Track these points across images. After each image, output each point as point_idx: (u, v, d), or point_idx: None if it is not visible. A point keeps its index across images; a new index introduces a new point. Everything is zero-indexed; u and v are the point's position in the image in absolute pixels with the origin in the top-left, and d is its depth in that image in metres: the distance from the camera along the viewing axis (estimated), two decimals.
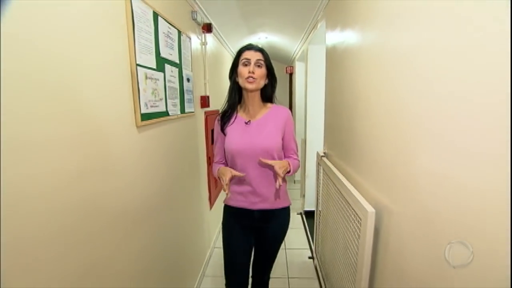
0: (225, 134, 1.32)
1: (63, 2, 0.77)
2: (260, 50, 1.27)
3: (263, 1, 2.37)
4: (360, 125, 1.32)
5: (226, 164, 1.39)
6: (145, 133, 1.24)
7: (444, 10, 0.68)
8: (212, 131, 2.40)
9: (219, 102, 2.65)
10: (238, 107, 1.36)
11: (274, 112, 1.33)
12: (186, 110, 1.79)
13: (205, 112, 2.35)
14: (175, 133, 1.66)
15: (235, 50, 4.01)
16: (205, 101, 2.24)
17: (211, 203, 2.55)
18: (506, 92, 0.50)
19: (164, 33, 1.42)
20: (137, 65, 1.13)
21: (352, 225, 1.25)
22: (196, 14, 2.00)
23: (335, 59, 1.82)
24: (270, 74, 1.30)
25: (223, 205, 1.44)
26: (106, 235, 0.96)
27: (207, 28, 2.24)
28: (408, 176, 0.86)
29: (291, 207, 1.44)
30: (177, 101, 1.63)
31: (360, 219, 1.11)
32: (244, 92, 1.31)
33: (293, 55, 4.19)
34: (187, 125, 1.89)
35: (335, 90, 1.83)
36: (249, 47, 1.27)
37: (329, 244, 1.87)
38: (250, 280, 1.50)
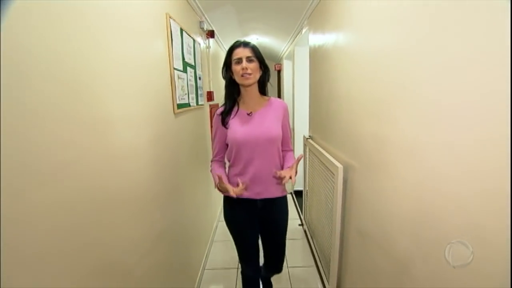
0: (227, 128, 1.36)
1: (141, 25, 1.20)
2: (248, 45, 1.31)
3: (257, 10, 2.82)
4: (334, 110, 1.80)
5: (223, 164, 1.47)
6: (178, 118, 1.69)
7: (394, 21, 1.16)
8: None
9: (219, 96, 3.10)
10: (238, 101, 1.41)
11: (273, 104, 1.41)
12: (199, 102, 2.23)
13: (209, 105, 2.79)
14: (193, 120, 2.10)
15: None
16: (210, 96, 2.68)
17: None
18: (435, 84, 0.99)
19: (186, 43, 1.86)
20: (174, 68, 1.57)
21: (329, 182, 1.74)
22: (204, 24, 2.43)
23: (317, 59, 2.30)
24: (262, 65, 1.35)
25: (222, 196, 1.48)
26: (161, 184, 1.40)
27: (211, 34, 2.68)
28: (360, 140, 1.35)
29: None
30: (194, 95, 2.07)
31: (334, 174, 1.61)
32: (242, 88, 1.38)
33: (281, 54, 4.66)
34: (200, 114, 2.34)
35: (317, 85, 2.32)
36: (237, 44, 1.32)
37: (314, 210, 2.37)
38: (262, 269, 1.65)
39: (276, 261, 1.60)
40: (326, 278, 1.95)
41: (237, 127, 1.34)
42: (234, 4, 2.62)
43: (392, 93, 1.06)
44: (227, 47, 4.25)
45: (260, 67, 1.34)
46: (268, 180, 1.37)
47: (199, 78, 2.26)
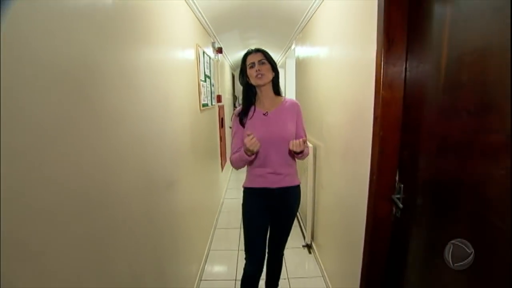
0: (244, 127, 1.47)
1: (187, 54, 1.95)
2: (259, 50, 1.45)
3: (256, 30, 3.59)
4: (310, 107, 2.56)
5: None
6: (202, 114, 2.44)
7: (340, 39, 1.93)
8: (222, 119, 3.60)
9: (225, 98, 3.87)
10: (256, 101, 1.52)
11: (287, 104, 1.52)
12: (213, 103, 2.99)
13: (218, 106, 3.54)
14: (210, 116, 2.86)
15: (232, 59, 5.25)
16: (219, 98, 3.44)
17: (222, 166, 3.77)
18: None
19: (206, 61, 2.61)
20: (200, 80, 2.33)
21: (308, 158, 2.50)
22: (215, 44, 3.19)
23: (300, 69, 3.07)
24: (273, 68, 1.47)
25: (242, 188, 1.61)
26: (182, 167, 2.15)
27: (220, 50, 3.44)
28: (327, 128, 2.11)
29: None
30: (210, 98, 2.82)
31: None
32: (257, 90, 1.49)
33: (276, 63, 5.44)
34: (213, 112, 3.10)
35: (301, 89, 3.09)
36: (249, 51, 1.47)
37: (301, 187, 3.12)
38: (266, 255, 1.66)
39: (279, 247, 1.70)
40: (305, 232, 2.70)
41: (255, 127, 1.45)
42: (238, 27, 3.39)
43: (331, 93, 1.82)
44: (231, 58, 5.07)
45: (272, 69, 1.47)
46: (284, 172, 1.49)
47: (213, 85, 3.01)
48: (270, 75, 1.46)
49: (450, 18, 0.88)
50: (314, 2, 2.17)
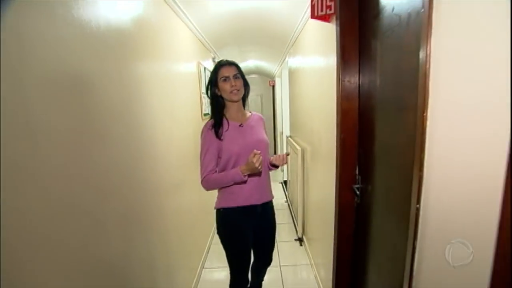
0: (221, 139, 1.38)
1: (190, 72, 2.28)
2: (234, 64, 1.42)
3: (254, 45, 3.93)
4: (299, 114, 2.86)
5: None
6: (204, 122, 2.76)
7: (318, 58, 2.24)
8: None
9: None
10: (225, 114, 1.45)
11: (254, 116, 1.56)
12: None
13: None
14: None
15: None
16: None
17: None
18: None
19: (206, 75, 2.95)
20: (202, 92, 2.66)
21: (296, 161, 2.79)
22: (215, 59, 3.53)
23: (292, 78, 3.38)
24: (245, 82, 1.45)
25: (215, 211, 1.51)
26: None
27: None
28: (311, 132, 2.41)
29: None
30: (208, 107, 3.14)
31: (297, 155, 2.66)
32: (228, 103, 1.45)
33: (274, 73, 5.77)
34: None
35: (293, 97, 3.40)
36: (223, 63, 1.41)
37: (293, 187, 3.41)
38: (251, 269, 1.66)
39: (270, 253, 1.68)
40: (297, 226, 2.98)
41: (233, 138, 1.41)
42: (237, 42, 3.73)
43: (313, 101, 2.13)
44: None
45: (244, 84, 1.45)
46: (265, 185, 1.49)
47: None
48: (243, 90, 1.45)
49: (379, 50, 1.19)
50: (299, 23, 2.49)
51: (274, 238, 1.67)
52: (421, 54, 0.75)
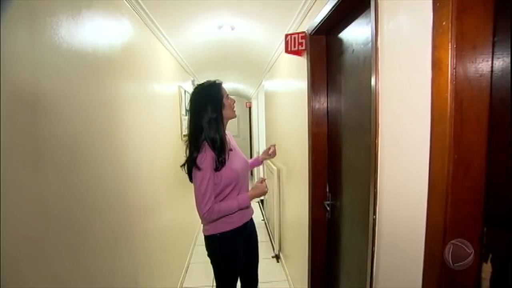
0: (219, 170, 1.29)
1: (171, 95, 2.39)
2: None
3: (232, 70, 4.14)
4: (276, 135, 3.04)
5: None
6: (183, 142, 2.85)
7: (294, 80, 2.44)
8: None
9: None
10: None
11: (229, 135, 1.50)
12: None
13: None
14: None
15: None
16: None
17: None
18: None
19: (186, 97, 3.07)
20: (182, 114, 2.76)
21: (273, 180, 2.94)
22: (194, 81, 3.68)
23: (268, 101, 3.59)
24: None
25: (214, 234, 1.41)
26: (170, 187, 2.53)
27: None
28: (286, 153, 2.57)
29: None
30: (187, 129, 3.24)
31: (273, 174, 2.81)
32: (225, 122, 1.38)
33: (251, 95, 6.01)
34: None
35: (269, 119, 3.59)
36: (220, 82, 1.39)
37: (269, 206, 3.53)
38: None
39: (256, 269, 1.64)
40: (274, 244, 3.07)
41: (232, 162, 1.35)
42: (216, 67, 3.92)
43: (287, 125, 2.31)
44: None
45: None
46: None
47: None
48: None
49: (343, 82, 1.39)
50: (275, 52, 2.72)
51: (258, 251, 1.62)
52: (372, 90, 0.93)
